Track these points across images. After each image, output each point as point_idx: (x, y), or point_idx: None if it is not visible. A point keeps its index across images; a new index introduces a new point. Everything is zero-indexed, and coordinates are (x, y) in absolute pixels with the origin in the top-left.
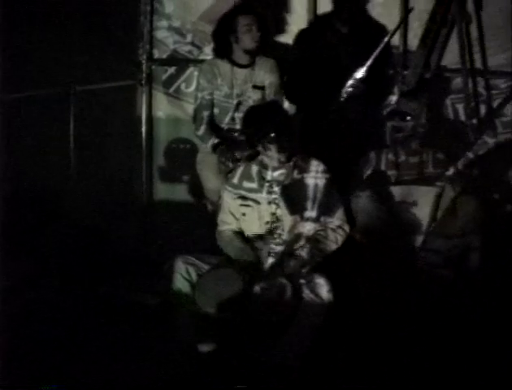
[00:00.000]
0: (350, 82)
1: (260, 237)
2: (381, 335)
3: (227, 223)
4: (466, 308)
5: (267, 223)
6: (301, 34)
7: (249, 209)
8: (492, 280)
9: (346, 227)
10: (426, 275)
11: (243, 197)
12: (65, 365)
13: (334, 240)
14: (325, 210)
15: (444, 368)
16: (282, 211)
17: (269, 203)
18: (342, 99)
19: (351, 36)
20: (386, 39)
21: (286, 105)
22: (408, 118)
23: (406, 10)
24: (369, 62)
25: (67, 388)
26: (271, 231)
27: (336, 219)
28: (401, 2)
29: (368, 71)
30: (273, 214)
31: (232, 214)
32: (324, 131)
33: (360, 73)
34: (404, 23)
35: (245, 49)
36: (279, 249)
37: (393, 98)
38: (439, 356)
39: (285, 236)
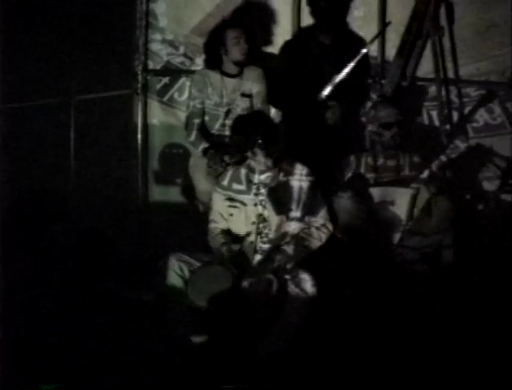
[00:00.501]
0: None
1: (246, 237)
2: (363, 328)
3: (216, 222)
4: (442, 300)
5: (253, 223)
6: (286, 45)
7: (236, 210)
8: (464, 274)
9: (329, 226)
10: (403, 270)
11: (231, 199)
12: (65, 363)
13: (318, 238)
14: (309, 210)
15: (422, 357)
16: (269, 212)
17: (255, 205)
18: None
19: (333, 47)
20: (364, 50)
21: (273, 112)
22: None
23: (384, 23)
24: (346, 70)
25: (67, 388)
26: (257, 231)
27: (320, 218)
28: (379, 16)
29: (345, 77)
30: (260, 215)
31: (221, 214)
32: (308, 136)
33: (337, 78)
34: (381, 35)
35: (234, 60)
36: (266, 246)
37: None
38: (418, 347)
39: (272, 235)
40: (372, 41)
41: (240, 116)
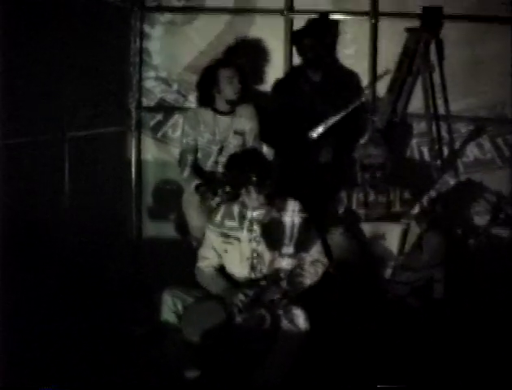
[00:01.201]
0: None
1: (240, 273)
2: (355, 361)
3: (208, 259)
4: (432, 334)
5: (248, 259)
6: (278, 83)
7: (230, 246)
8: (455, 309)
9: (324, 260)
10: (395, 305)
11: (225, 235)
12: None
13: (314, 273)
14: (302, 246)
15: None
16: (262, 248)
17: (249, 241)
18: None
19: (323, 84)
20: (362, 98)
21: (265, 149)
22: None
23: (375, 74)
24: (341, 114)
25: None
26: (251, 267)
27: (314, 253)
28: (370, 53)
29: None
30: (254, 250)
31: (215, 250)
32: (300, 173)
33: (331, 121)
34: (373, 72)
35: (227, 99)
36: (260, 283)
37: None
38: (410, 379)
39: (265, 271)
40: (375, 81)
41: (234, 154)
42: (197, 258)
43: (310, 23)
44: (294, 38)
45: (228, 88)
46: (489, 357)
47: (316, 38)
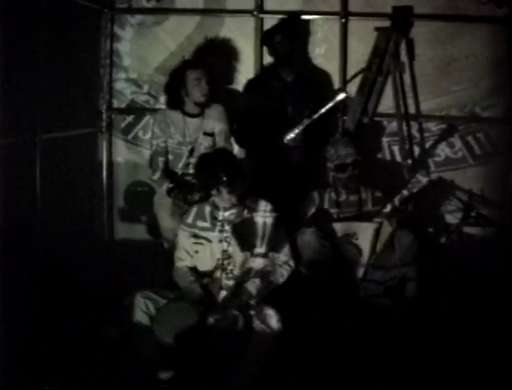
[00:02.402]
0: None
1: (211, 273)
2: (328, 362)
3: (182, 260)
4: (405, 333)
5: (218, 259)
6: (249, 83)
7: (201, 247)
8: (428, 307)
9: (292, 263)
10: (367, 304)
11: (196, 236)
12: None
13: (281, 275)
14: (273, 246)
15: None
16: (233, 248)
17: (220, 241)
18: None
19: (295, 84)
20: (340, 96)
21: (236, 149)
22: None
23: (345, 60)
24: (315, 116)
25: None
26: (222, 267)
27: (283, 255)
28: (341, 53)
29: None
30: (224, 251)
31: (186, 251)
32: (272, 173)
33: (306, 123)
34: (343, 72)
35: (195, 101)
36: (231, 283)
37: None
38: (383, 379)
39: (236, 272)
40: (342, 87)
41: (204, 154)
42: (171, 260)
43: (281, 21)
44: (265, 37)
45: (196, 90)
46: (462, 354)
47: (287, 35)
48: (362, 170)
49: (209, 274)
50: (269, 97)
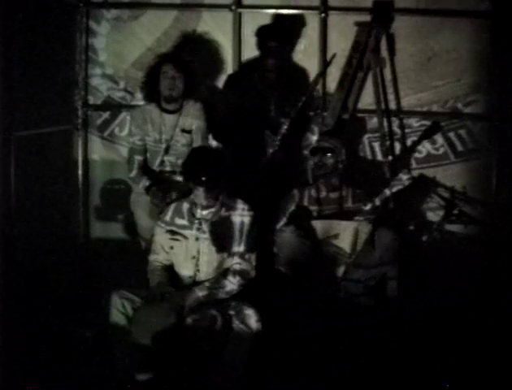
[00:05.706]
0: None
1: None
2: (308, 362)
3: (156, 253)
4: (385, 332)
5: (194, 257)
6: (230, 79)
7: (177, 243)
8: (409, 306)
9: (252, 273)
10: (347, 304)
11: (172, 232)
12: None
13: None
14: (250, 245)
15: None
16: (209, 247)
17: (196, 239)
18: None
19: (276, 81)
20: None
21: (214, 145)
22: (329, 154)
23: (325, 62)
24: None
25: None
26: (197, 266)
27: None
28: (320, 49)
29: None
30: (200, 250)
31: (161, 246)
32: (251, 170)
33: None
34: (323, 67)
35: (164, 96)
36: (206, 282)
37: (313, 138)
38: (364, 379)
39: (211, 271)
40: (321, 73)
41: (190, 152)
42: (148, 259)
43: (276, 25)
44: (260, 40)
45: (163, 84)
46: (442, 354)
47: (281, 42)
48: (341, 167)
49: (182, 273)
50: (250, 94)
